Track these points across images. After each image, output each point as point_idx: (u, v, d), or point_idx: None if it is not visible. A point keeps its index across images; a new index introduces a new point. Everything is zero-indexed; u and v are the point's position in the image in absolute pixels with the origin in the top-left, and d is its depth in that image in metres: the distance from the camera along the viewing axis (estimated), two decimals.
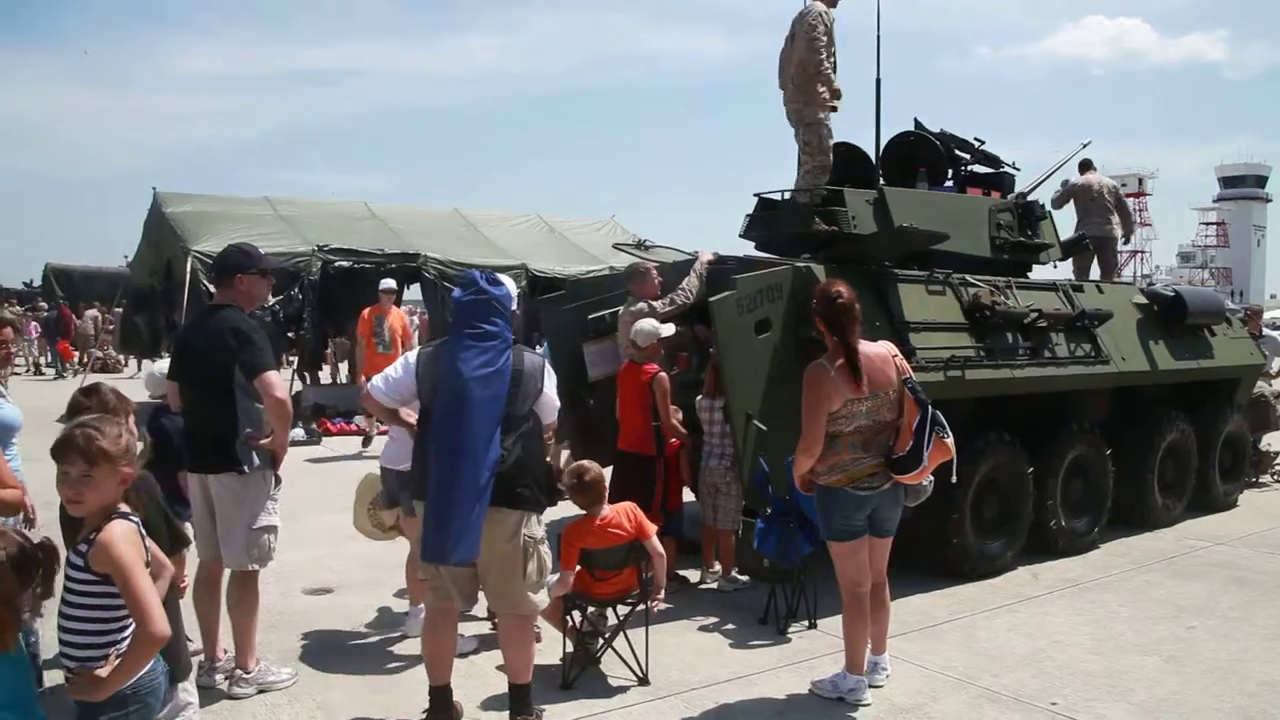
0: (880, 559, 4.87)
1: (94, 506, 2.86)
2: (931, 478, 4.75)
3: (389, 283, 12.14)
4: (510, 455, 4.03)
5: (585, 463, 5.04)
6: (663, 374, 6.37)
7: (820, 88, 7.04)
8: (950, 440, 4.63)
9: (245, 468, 4.67)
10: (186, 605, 4.47)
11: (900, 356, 4.84)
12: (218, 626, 4.91)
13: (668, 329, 6.45)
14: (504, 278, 4.40)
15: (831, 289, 4.75)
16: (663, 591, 5.15)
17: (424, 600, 4.63)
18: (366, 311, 12.17)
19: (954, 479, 4.98)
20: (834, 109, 7.18)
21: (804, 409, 4.62)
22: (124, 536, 2.84)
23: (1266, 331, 12.83)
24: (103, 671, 2.80)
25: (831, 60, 7.07)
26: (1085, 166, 10.60)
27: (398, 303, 13.46)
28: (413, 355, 4.32)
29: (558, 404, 4.37)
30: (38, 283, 32.67)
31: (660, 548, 4.95)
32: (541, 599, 4.30)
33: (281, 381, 4.78)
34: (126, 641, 2.87)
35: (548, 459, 4.50)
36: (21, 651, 2.84)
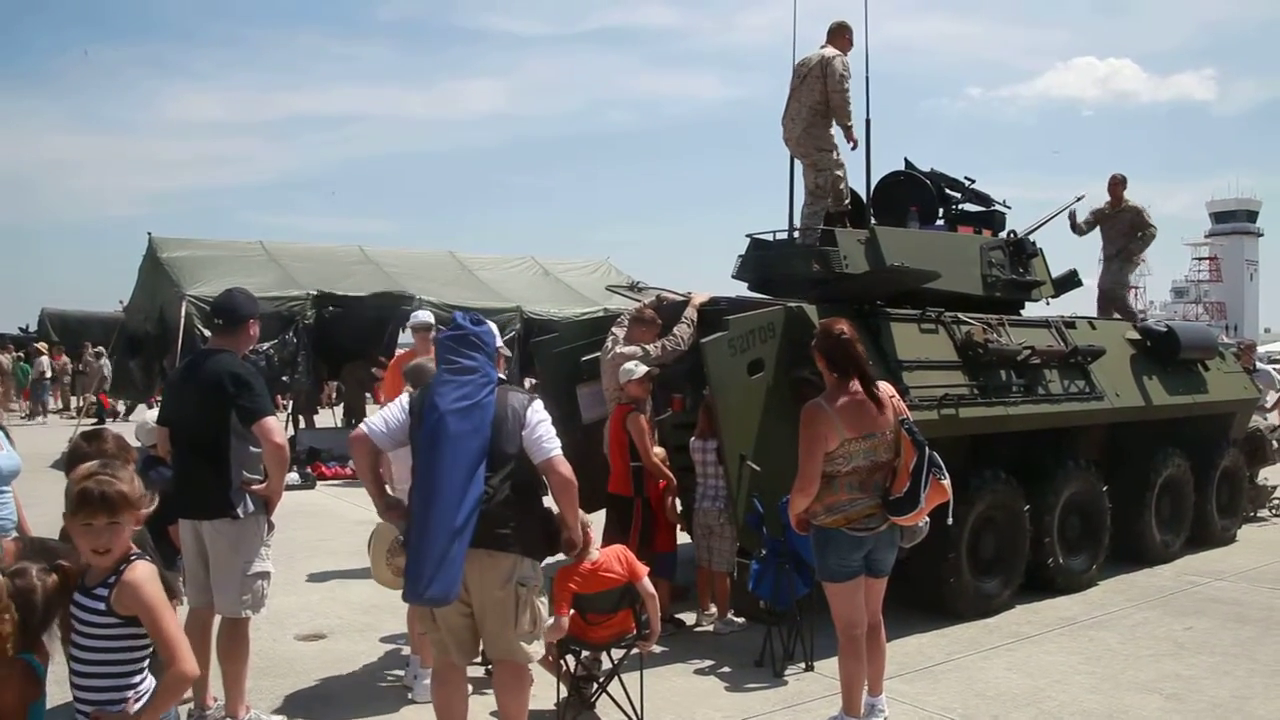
0: (875, 599, 4.82)
1: (119, 554, 2.84)
2: (927, 519, 4.71)
3: (424, 316, 8.15)
4: (496, 494, 3.91)
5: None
6: (636, 413, 6.32)
7: (849, 123, 7.40)
8: (947, 482, 4.61)
9: (239, 513, 4.64)
10: None
11: (898, 397, 4.85)
12: (208, 674, 4.85)
13: (643, 368, 6.42)
14: (486, 321, 4.32)
15: (834, 327, 4.78)
16: (657, 634, 5.08)
17: (430, 655, 4.49)
18: (396, 357, 8.58)
19: (950, 520, 4.94)
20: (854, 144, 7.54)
21: (801, 447, 4.61)
22: (151, 577, 2.83)
23: (1260, 365, 12.86)
24: (132, 709, 2.80)
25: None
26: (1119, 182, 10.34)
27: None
28: (404, 397, 4.21)
29: (549, 444, 4.02)
30: (34, 327, 32.65)
31: (652, 589, 4.90)
32: (536, 650, 4.15)
33: (280, 427, 4.77)
34: (143, 684, 2.86)
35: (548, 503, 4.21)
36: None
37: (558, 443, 4.08)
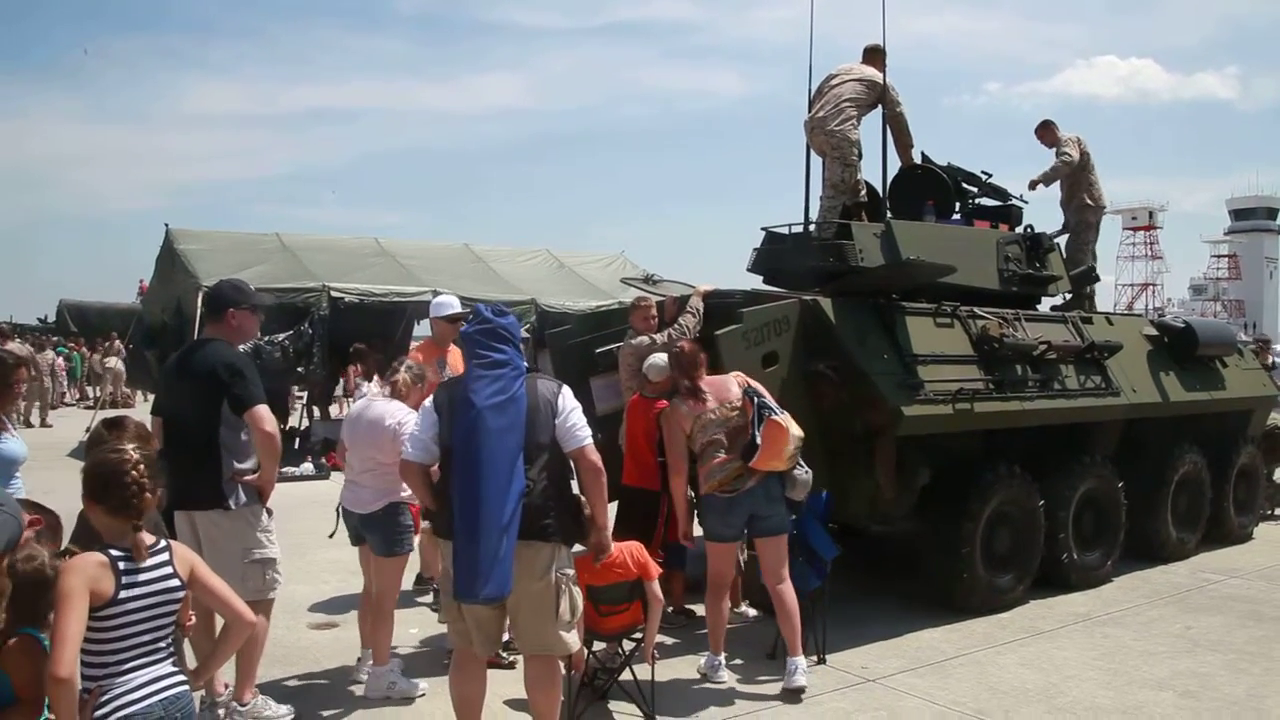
0: (773, 557, 5.37)
1: None
2: (807, 468, 5.40)
3: (448, 301, 7.07)
4: (536, 485, 3.91)
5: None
6: (671, 408, 6.30)
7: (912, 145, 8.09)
8: (782, 417, 5.23)
9: (231, 504, 4.59)
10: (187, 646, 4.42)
11: (743, 376, 5.58)
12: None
13: None
14: (508, 311, 4.27)
15: (686, 349, 5.62)
16: (650, 645, 4.93)
17: (452, 644, 4.43)
18: (418, 355, 6.51)
19: (807, 472, 5.43)
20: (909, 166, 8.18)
21: (665, 441, 5.62)
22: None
23: (1278, 362, 12.75)
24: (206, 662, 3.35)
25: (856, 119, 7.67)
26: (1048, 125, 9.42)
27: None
28: (428, 401, 4.18)
29: (581, 432, 4.07)
30: (52, 318, 32.88)
31: (659, 593, 4.84)
32: (573, 640, 4.10)
33: (270, 415, 4.69)
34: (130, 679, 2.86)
35: (576, 491, 4.23)
36: None
37: (589, 431, 4.11)
